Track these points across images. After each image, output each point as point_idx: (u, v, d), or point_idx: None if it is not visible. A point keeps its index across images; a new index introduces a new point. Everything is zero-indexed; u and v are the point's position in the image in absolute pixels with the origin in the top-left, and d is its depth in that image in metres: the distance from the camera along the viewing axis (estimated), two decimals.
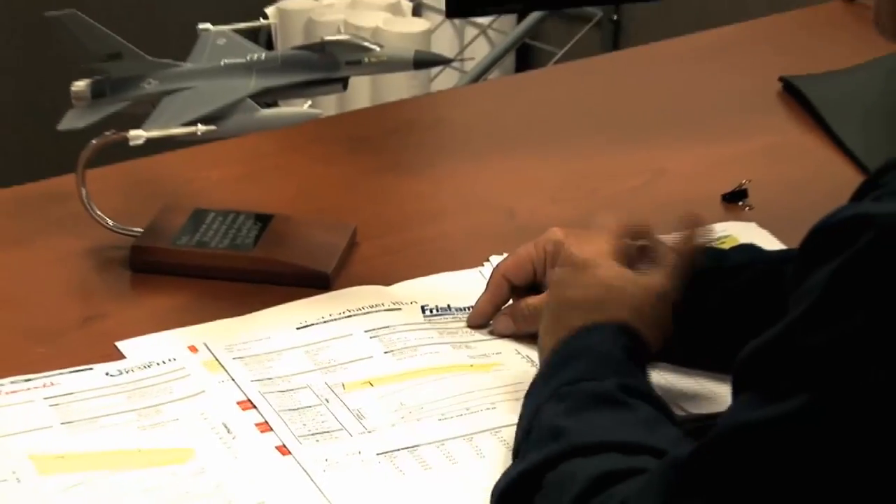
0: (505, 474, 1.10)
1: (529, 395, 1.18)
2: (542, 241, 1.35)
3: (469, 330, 1.37)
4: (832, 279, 0.88)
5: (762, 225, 1.51)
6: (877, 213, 0.87)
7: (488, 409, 1.27)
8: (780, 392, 0.90)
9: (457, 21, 2.96)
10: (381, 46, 1.45)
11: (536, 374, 1.20)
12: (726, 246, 1.44)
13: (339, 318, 1.38)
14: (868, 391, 0.86)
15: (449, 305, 1.40)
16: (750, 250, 1.37)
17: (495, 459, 1.20)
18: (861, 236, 0.87)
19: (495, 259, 1.42)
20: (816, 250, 0.91)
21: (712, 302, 1.27)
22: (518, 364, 1.33)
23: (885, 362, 0.86)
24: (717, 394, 1.27)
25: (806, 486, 0.89)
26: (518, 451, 1.14)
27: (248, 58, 1.46)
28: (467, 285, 1.42)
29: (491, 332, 1.37)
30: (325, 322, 1.37)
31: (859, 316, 0.87)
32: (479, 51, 3.01)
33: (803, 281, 0.91)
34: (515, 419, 1.25)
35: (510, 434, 1.23)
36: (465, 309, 1.39)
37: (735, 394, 0.95)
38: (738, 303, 1.27)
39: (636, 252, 1.27)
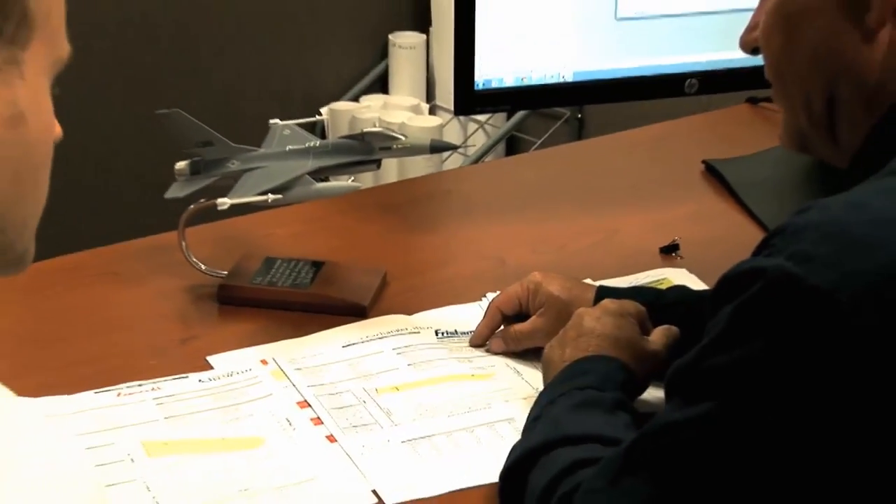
0: (512, 451, 1.09)
1: (544, 393, 1.16)
2: (526, 282, 1.35)
3: (471, 348, 1.36)
4: (732, 316, 0.87)
5: (690, 271, 1.51)
6: (766, 266, 0.86)
7: (485, 408, 1.26)
8: (693, 400, 0.89)
9: (462, 118, 2.97)
10: (405, 136, 1.45)
11: (553, 378, 1.17)
12: (663, 286, 1.43)
13: (374, 340, 1.37)
14: (757, 399, 0.86)
15: (456, 330, 1.39)
16: (682, 290, 1.37)
17: (490, 446, 1.20)
18: (755, 283, 0.86)
19: (490, 295, 1.41)
20: (723, 293, 0.90)
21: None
22: (508, 374, 1.32)
23: (771, 378, 0.85)
24: (657, 397, 1.26)
25: (710, 469, 0.88)
26: (525, 429, 1.13)
27: (307, 144, 1.46)
28: (469, 315, 1.41)
29: (487, 350, 1.36)
30: (362, 342, 1.36)
31: (752, 343, 0.86)
32: (478, 140, 3.01)
33: (714, 316, 0.90)
34: (507, 416, 1.24)
35: (502, 427, 1.23)
36: (468, 332, 1.38)
37: (666, 401, 0.95)
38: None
39: None
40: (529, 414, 1.14)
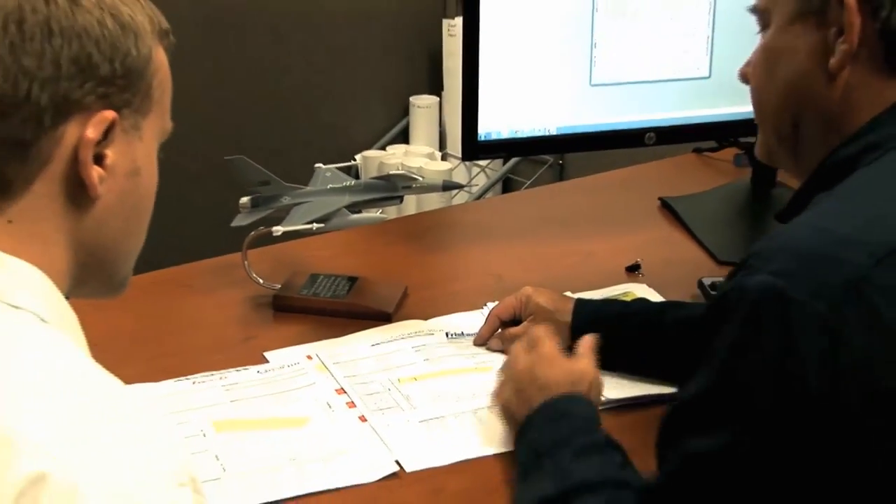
0: (522, 499, 1.00)
1: (525, 439, 1.06)
2: (519, 294, 1.34)
3: (474, 347, 1.36)
4: (733, 335, 0.82)
5: (650, 286, 1.50)
6: (749, 284, 0.82)
7: (486, 395, 1.25)
8: (711, 428, 0.82)
9: (467, 163, 2.97)
10: (422, 178, 1.45)
11: (524, 422, 1.07)
12: (628, 298, 1.43)
13: (396, 340, 1.37)
14: (769, 407, 0.80)
15: (462, 332, 1.39)
16: (643, 301, 1.37)
17: (489, 425, 1.18)
18: (743, 299, 0.82)
19: (490, 304, 1.40)
20: (714, 315, 0.85)
21: (622, 332, 1.26)
22: None
23: (772, 384, 0.80)
24: (621, 384, 1.25)
25: (748, 489, 0.82)
26: (523, 473, 1.03)
27: (344, 184, 1.46)
28: (473, 320, 1.40)
29: (487, 349, 1.35)
30: (388, 342, 1.36)
31: (752, 357, 0.80)
32: (480, 181, 3.01)
33: (709, 341, 0.84)
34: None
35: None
36: (472, 334, 1.37)
37: (672, 424, 0.87)
38: (637, 333, 1.26)
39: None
40: (521, 455, 1.05)
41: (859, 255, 0.81)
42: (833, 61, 0.92)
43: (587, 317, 1.29)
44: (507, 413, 1.13)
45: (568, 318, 1.29)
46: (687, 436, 0.85)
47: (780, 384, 0.80)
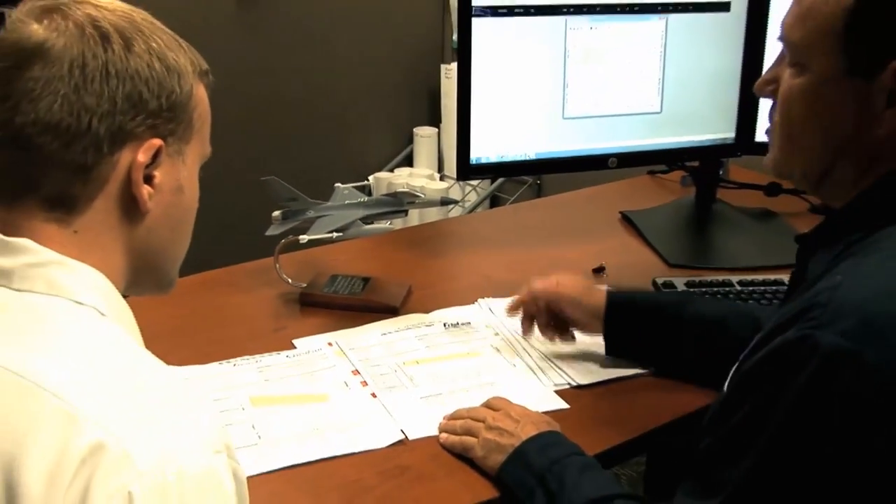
0: None
1: (518, 464, 0.97)
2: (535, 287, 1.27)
3: (468, 335, 1.35)
4: (798, 398, 0.71)
5: (612, 285, 1.49)
6: (821, 341, 0.70)
7: (476, 376, 1.25)
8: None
9: (461, 182, 2.97)
10: (424, 195, 1.45)
11: (513, 452, 1.00)
12: None
13: (402, 330, 1.36)
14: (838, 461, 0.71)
15: (458, 322, 1.38)
16: (664, 293, 1.33)
17: (479, 400, 1.17)
18: (812, 357, 0.70)
19: (482, 300, 1.40)
20: (780, 358, 0.73)
21: (650, 322, 1.21)
22: (491, 353, 1.31)
23: (844, 445, 0.70)
24: (592, 370, 1.25)
25: None
26: (529, 494, 0.95)
27: (359, 200, 1.46)
28: (467, 313, 1.40)
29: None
30: (395, 332, 1.36)
31: (827, 424, 0.70)
32: (472, 197, 3.01)
33: (767, 377, 0.73)
34: (490, 381, 1.23)
35: (487, 388, 1.22)
36: (467, 324, 1.36)
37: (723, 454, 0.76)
38: (661, 325, 1.20)
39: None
40: (515, 478, 0.97)
41: None
42: (882, 130, 0.79)
43: (621, 299, 1.20)
44: (489, 448, 1.03)
45: (601, 303, 1.20)
46: (738, 470, 0.75)
47: (846, 439, 0.71)
